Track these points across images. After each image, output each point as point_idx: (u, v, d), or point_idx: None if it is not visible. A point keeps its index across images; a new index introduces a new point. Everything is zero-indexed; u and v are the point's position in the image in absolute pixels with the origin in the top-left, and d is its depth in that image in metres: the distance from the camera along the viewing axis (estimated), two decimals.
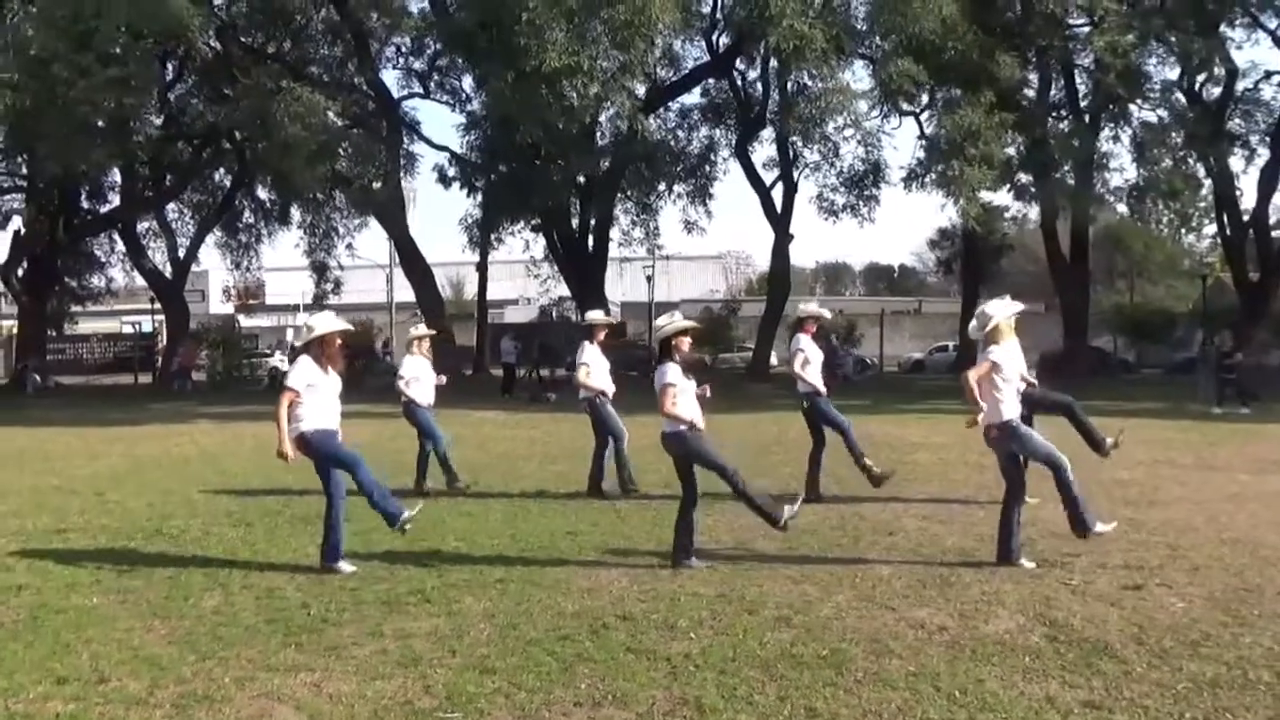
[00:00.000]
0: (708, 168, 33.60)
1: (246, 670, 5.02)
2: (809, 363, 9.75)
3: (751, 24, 22.39)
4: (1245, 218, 33.51)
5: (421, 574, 6.89)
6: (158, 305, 38.96)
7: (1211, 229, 35.93)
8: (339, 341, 7.14)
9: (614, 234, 34.89)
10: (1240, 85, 32.63)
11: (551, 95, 19.68)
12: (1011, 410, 7.01)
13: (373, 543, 7.69)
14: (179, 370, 34.12)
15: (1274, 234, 34.66)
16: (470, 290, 54.60)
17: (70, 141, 21.68)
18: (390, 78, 40.24)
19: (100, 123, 21.56)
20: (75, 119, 20.85)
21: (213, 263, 48.62)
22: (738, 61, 28.13)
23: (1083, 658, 5.03)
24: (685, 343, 7.28)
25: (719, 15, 28.00)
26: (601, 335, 10.65)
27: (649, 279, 42.63)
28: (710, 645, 5.28)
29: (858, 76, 29.14)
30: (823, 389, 9.78)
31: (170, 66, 31.68)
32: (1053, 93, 31.62)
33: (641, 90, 29.46)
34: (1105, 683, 4.70)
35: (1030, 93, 29.87)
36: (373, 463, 7.26)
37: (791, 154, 32.07)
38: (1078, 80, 28.59)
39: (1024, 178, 29.20)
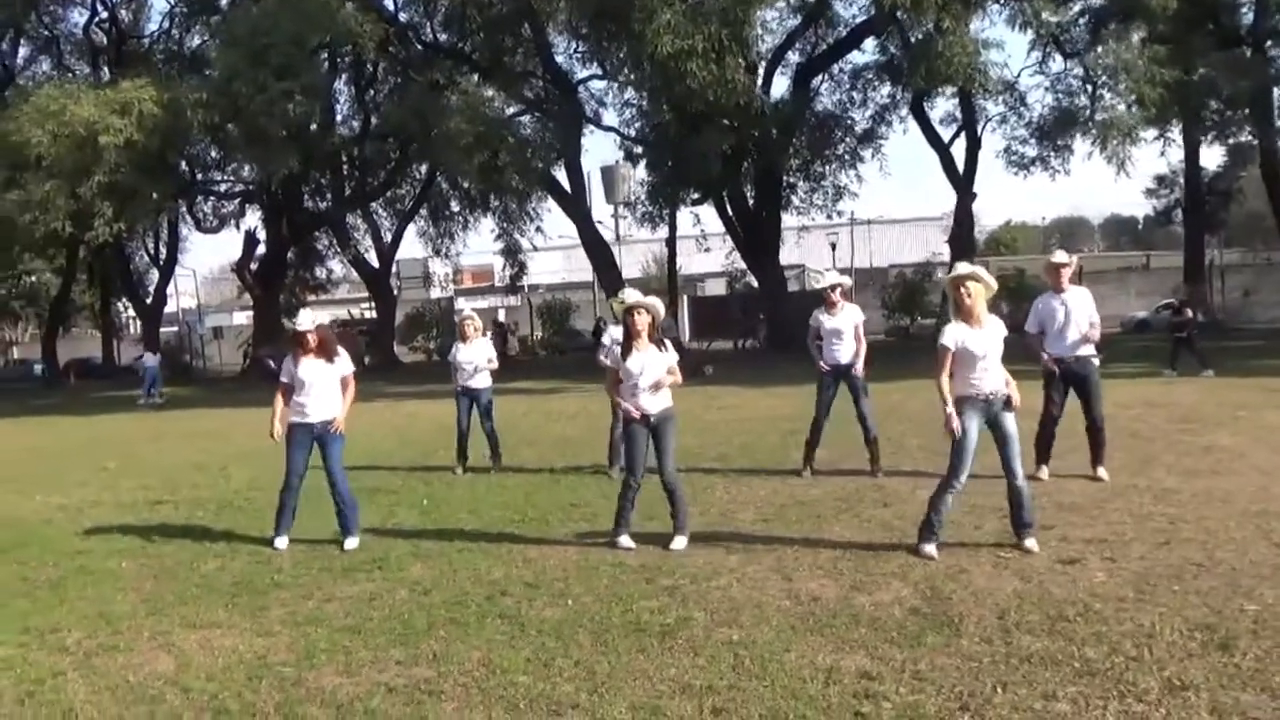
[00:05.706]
0: (883, 128, 32.75)
1: (169, 626, 5.77)
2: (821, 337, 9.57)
3: None
4: None
5: (399, 544, 7.50)
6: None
7: None
8: (312, 338, 7.75)
9: (794, 201, 34.65)
10: None
11: (672, 77, 19.84)
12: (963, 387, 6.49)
13: (391, 516, 8.39)
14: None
15: None
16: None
17: (264, 149, 24.07)
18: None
19: (284, 131, 23.72)
20: (256, 129, 23.12)
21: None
22: (899, 15, 27.11)
23: (920, 631, 4.96)
24: (639, 321, 6.97)
25: None
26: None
27: (833, 246, 41.99)
28: (575, 612, 5.57)
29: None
30: (826, 365, 9.53)
31: (368, 70, 34.15)
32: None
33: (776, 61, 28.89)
34: (911, 655, 4.65)
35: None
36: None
37: (974, 107, 30.76)
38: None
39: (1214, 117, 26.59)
